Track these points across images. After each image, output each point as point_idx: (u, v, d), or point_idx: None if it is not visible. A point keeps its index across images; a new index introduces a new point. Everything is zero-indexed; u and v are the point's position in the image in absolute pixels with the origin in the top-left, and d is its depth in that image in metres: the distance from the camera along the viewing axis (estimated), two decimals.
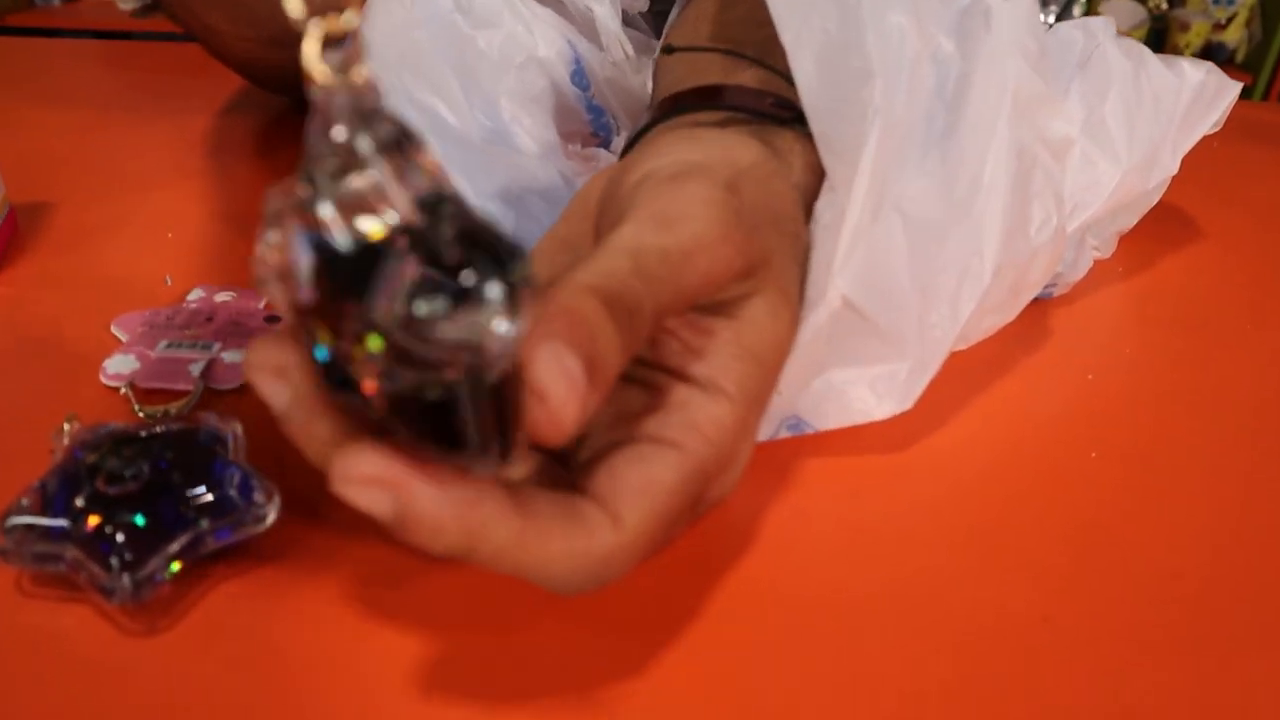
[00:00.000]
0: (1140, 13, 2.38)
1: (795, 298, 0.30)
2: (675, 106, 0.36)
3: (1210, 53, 2.39)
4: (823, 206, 0.33)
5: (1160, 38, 2.39)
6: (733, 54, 0.37)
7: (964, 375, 0.38)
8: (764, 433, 0.34)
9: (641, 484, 0.24)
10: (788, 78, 0.34)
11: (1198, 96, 0.45)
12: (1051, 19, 2.38)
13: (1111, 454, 0.35)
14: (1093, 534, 0.31)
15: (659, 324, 0.25)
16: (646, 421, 0.26)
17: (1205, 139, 0.46)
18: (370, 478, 0.20)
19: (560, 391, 0.20)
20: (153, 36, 0.78)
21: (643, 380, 0.28)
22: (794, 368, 0.31)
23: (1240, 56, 2.43)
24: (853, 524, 0.31)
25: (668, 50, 0.40)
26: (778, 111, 0.35)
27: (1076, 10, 2.23)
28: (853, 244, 0.32)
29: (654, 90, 0.44)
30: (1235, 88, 0.46)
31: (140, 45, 0.77)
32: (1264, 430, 0.37)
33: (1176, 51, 2.36)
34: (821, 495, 0.32)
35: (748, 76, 0.36)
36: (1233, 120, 0.47)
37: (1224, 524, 0.32)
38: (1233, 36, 2.38)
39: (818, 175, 0.33)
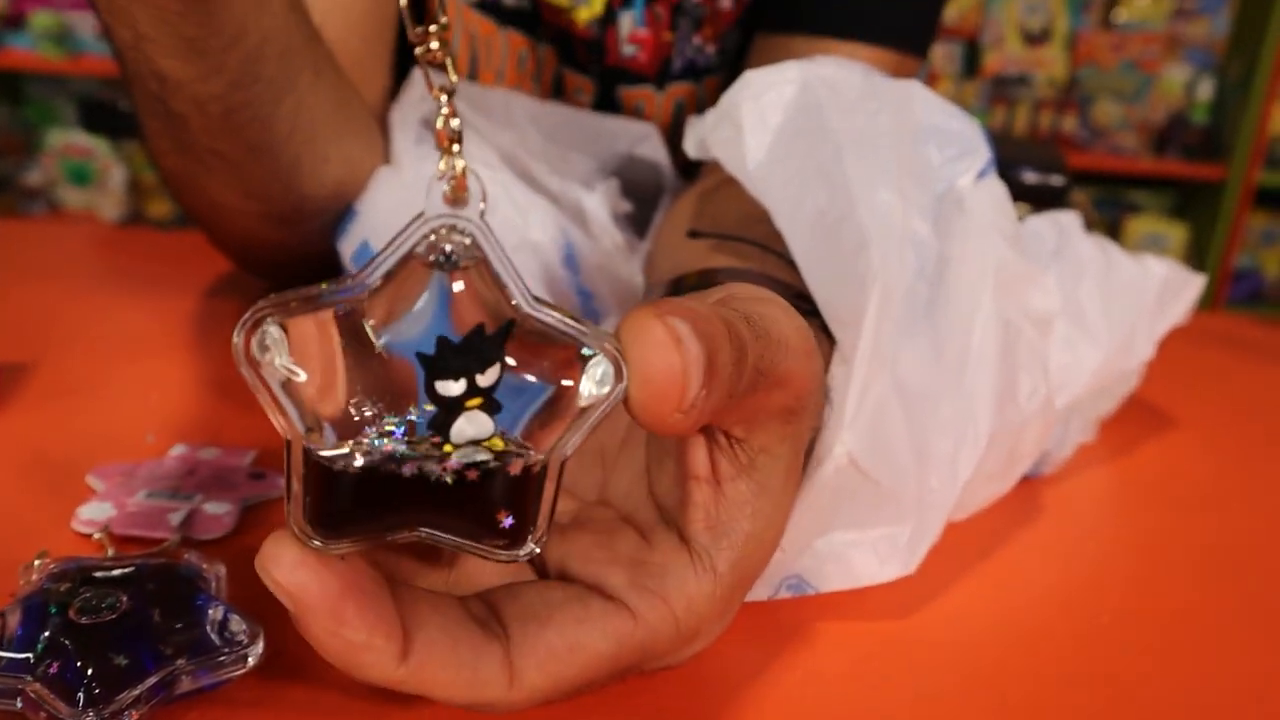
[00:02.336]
0: None
1: (800, 470, 0.29)
2: (679, 288, 0.37)
3: None
4: (834, 375, 0.33)
5: None
6: (744, 241, 0.39)
7: (963, 546, 0.37)
8: (764, 592, 0.33)
9: (564, 648, 0.23)
10: (788, 261, 0.35)
11: (1164, 288, 0.47)
12: None
13: (1124, 620, 0.34)
14: (1093, 700, 0.30)
15: (741, 394, 0.23)
16: (618, 573, 0.25)
17: (1166, 340, 0.48)
18: (280, 588, 0.21)
19: (693, 356, 0.21)
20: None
21: (640, 524, 0.27)
22: (798, 526, 0.31)
23: None
24: (863, 686, 0.30)
25: (693, 235, 0.41)
26: (797, 303, 0.35)
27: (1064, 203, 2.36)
28: (859, 404, 0.32)
29: (651, 272, 0.45)
30: (1199, 281, 0.48)
31: (128, 233, 0.78)
32: (1263, 602, 0.36)
33: None
34: (831, 658, 0.31)
35: (754, 261, 0.38)
36: (1184, 328, 0.50)
37: (1220, 687, 0.31)
38: None
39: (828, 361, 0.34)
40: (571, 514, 0.28)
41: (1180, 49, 2.42)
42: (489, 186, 0.50)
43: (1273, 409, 0.58)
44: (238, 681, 0.26)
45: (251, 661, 0.26)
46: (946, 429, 0.35)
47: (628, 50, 0.64)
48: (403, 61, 0.63)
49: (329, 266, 0.51)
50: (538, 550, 0.23)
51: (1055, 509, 0.41)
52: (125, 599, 0.25)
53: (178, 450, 0.39)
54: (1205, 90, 2.41)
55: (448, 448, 0.21)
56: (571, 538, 0.27)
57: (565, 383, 0.22)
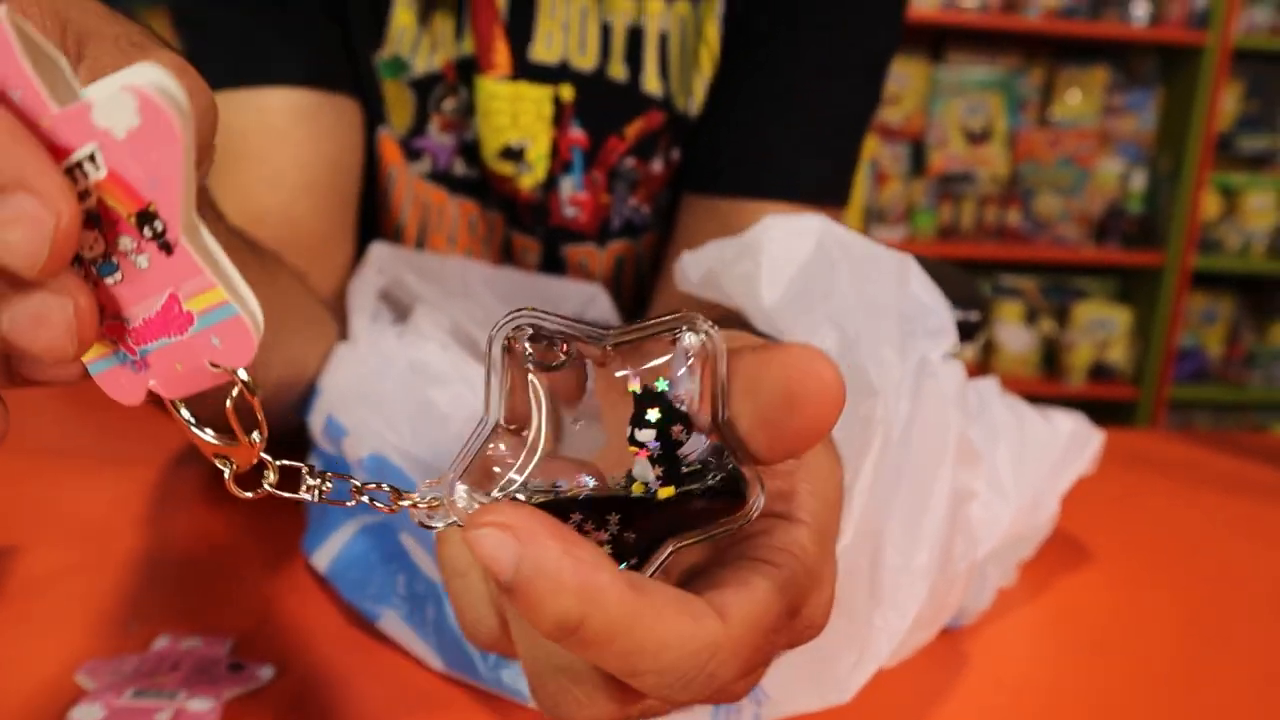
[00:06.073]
0: (1032, 337, 2.60)
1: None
2: None
3: (1099, 370, 2.60)
4: None
5: (1052, 360, 2.60)
6: None
7: (892, 700, 0.41)
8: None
9: (743, 587, 0.25)
10: None
11: (1070, 444, 0.51)
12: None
13: None
14: None
15: None
16: (735, 548, 0.27)
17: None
18: (503, 525, 0.22)
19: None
20: None
21: None
22: None
23: (1126, 372, 2.63)
24: None
25: None
26: None
27: (980, 337, 2.43)
28: (850, 538, 0.35)
29: None
30: (1099, 437, 0.53)
31: (87, 390, 0.80)
32: None
33: (1068, 370, 2.56)
34: None
35: None
36: (1112, 450, 0.54)
37: None
38: (1117, 355, 2.60)
39: None
40: None
41: (1113, 143, 2.53)
42: (443, 366, 0.53)
43: (1191, 534, 0.62)
44: None
45: None
46: (892, 573, 0.38)
47: (569, 212, 0.68)
48: (364, 234, 0.67)
49: (295, 437, 0.54)
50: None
51: (979, 658, 0.45)
52: None
53: (160, 643, 0.42)
54: (1139, 181, 2.52)
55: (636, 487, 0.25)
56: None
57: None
